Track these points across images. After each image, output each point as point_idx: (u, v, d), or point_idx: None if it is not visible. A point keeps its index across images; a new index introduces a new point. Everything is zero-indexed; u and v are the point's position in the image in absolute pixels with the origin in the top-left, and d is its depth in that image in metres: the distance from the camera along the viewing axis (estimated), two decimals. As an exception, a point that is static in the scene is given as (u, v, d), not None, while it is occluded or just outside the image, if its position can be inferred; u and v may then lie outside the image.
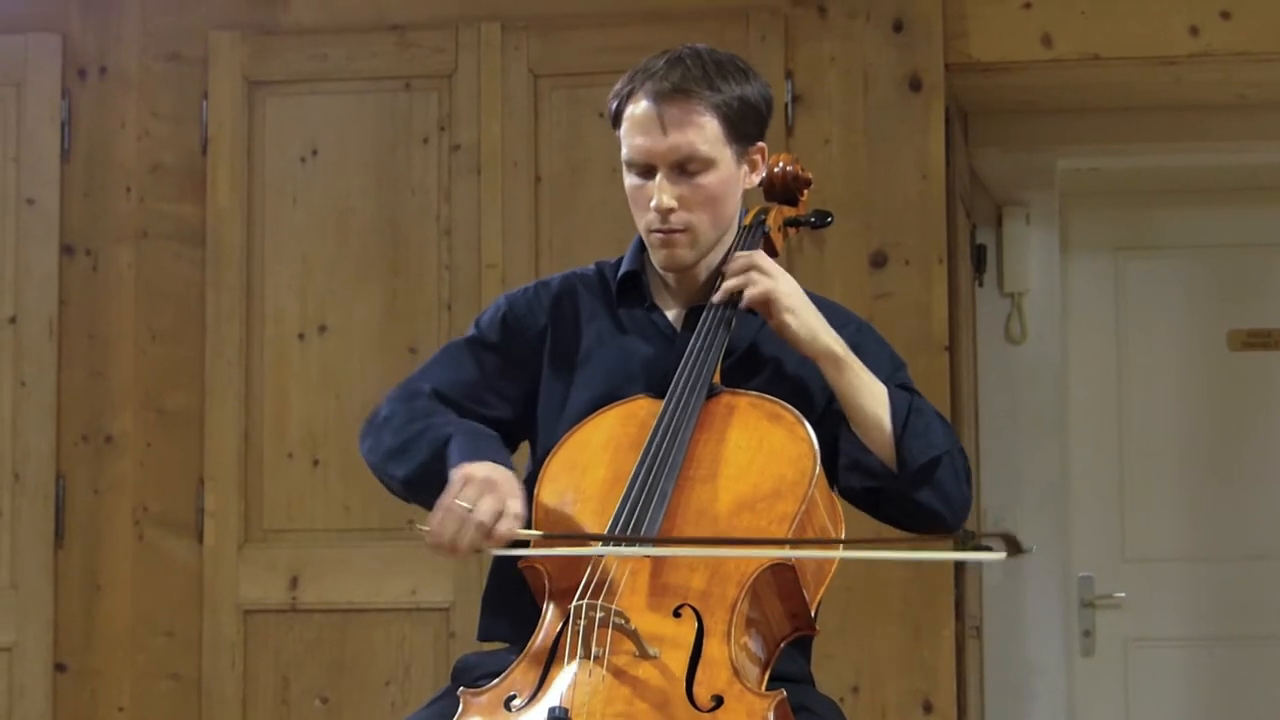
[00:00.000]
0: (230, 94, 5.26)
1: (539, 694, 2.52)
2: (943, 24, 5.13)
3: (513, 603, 2.82)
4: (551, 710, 2.42)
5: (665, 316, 2.95)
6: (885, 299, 5.03)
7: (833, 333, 2.83)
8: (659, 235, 2.87)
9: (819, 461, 2.68)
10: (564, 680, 2.50)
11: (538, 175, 5.17)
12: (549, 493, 2.74)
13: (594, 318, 2.97)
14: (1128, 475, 6.52)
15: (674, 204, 2.84)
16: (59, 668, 5.17)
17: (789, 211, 3.08)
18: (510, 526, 2.62)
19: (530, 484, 2.85)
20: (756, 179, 2.97)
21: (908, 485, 2.80)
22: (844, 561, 2.77)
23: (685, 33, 4.84)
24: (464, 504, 2.62)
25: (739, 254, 2.89)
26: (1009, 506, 6.15)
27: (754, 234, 2.97)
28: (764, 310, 2.83)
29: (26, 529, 5.19)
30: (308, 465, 5.15)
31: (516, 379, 2.96)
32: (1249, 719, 6.40)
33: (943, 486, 2.83)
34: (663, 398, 2.77)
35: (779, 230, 3.05)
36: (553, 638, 2.58)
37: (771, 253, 3.02)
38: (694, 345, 2.82)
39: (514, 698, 2.54)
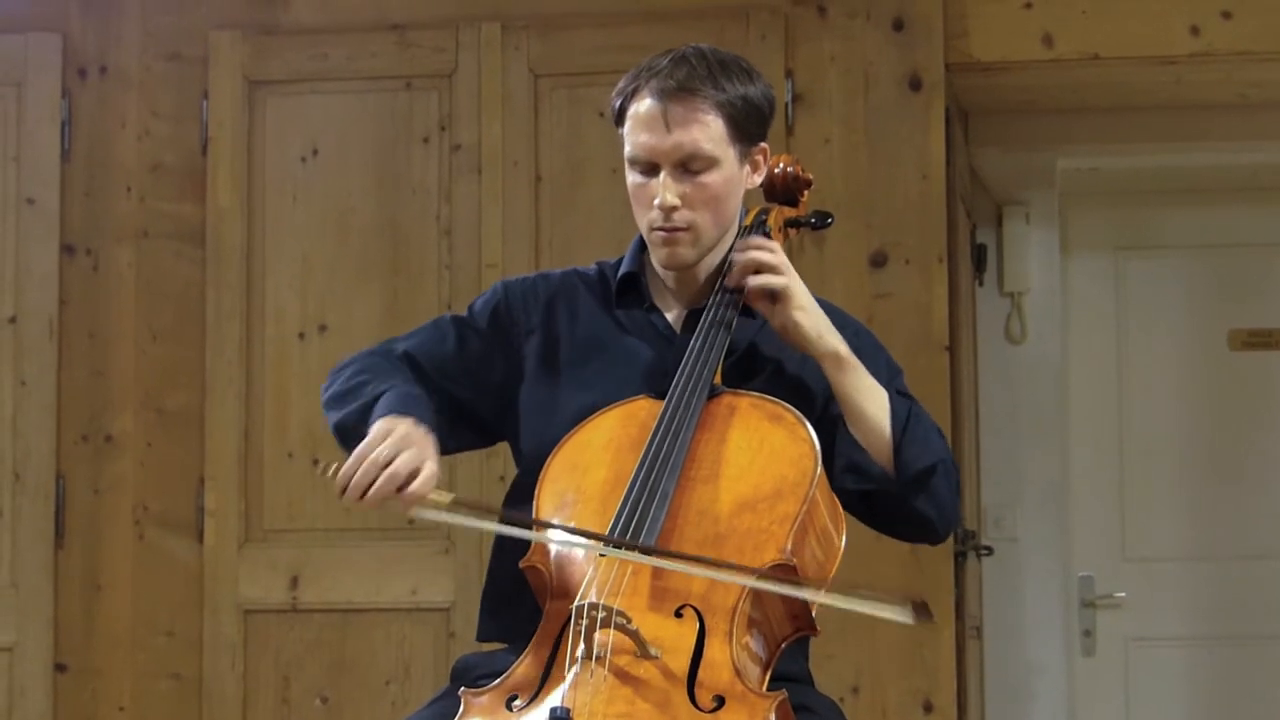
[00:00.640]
0: (231, 94, 5.26)
1: (540, 694, 2.51)
2: (943, 23, 5.13)
3: (512, 603, 2.81)
4: (553, 710, 2.42)
5: (665, 318, 2.95)
6: (885, 299, 5.03)
7: (837, 334, 2.83)
8: (661, 233, 2.86)
9: (820, 462, 2.68)
10: (565, 680, 2.50)
11: (538, 175, 5.17)
12: (550, 493, 2.73)
13: (593, 317, 2.96)
14: (1128, 475, 6.52)
15: (677, 202, 2.84)
16: (59, 667, 5.17)
17: (789, 212, 3.07)
18: (423, 486, 2.61)
19: (519, 484, 2.87)
20: (758, 179, 2.97)
21: (904, 490, 2.81)
22: (845, 561, 2.77)
23: (685, 32, 4.85)
24: (380, 455, 2.61)
25: (755, 239, 2.88)
26: (1009, 506, 6.16)
27: (754, 235, 2.97)
28: (777, 303, 2.82)
29: (27, 528, 5.20)
30: (308, 465, 5.14)
31: (495, 369, 2.95)
32: (1249, 718, 6.40)
33: (937, 494, 2.83)
34: (663, 398, 2.76)
35: (780, 231, 3.04)
36: (554, 638, 2.58)
37: (773, 253, 3.03)
38: (694, 346, 2.82)
39: (515, 698, 2.54)
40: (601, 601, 2.51)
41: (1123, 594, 6.47)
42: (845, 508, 2.82)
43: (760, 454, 2.70)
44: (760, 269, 2.84)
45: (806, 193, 3.11)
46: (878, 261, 5.06)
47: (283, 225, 5.24)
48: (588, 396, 2.86)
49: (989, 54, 5.23)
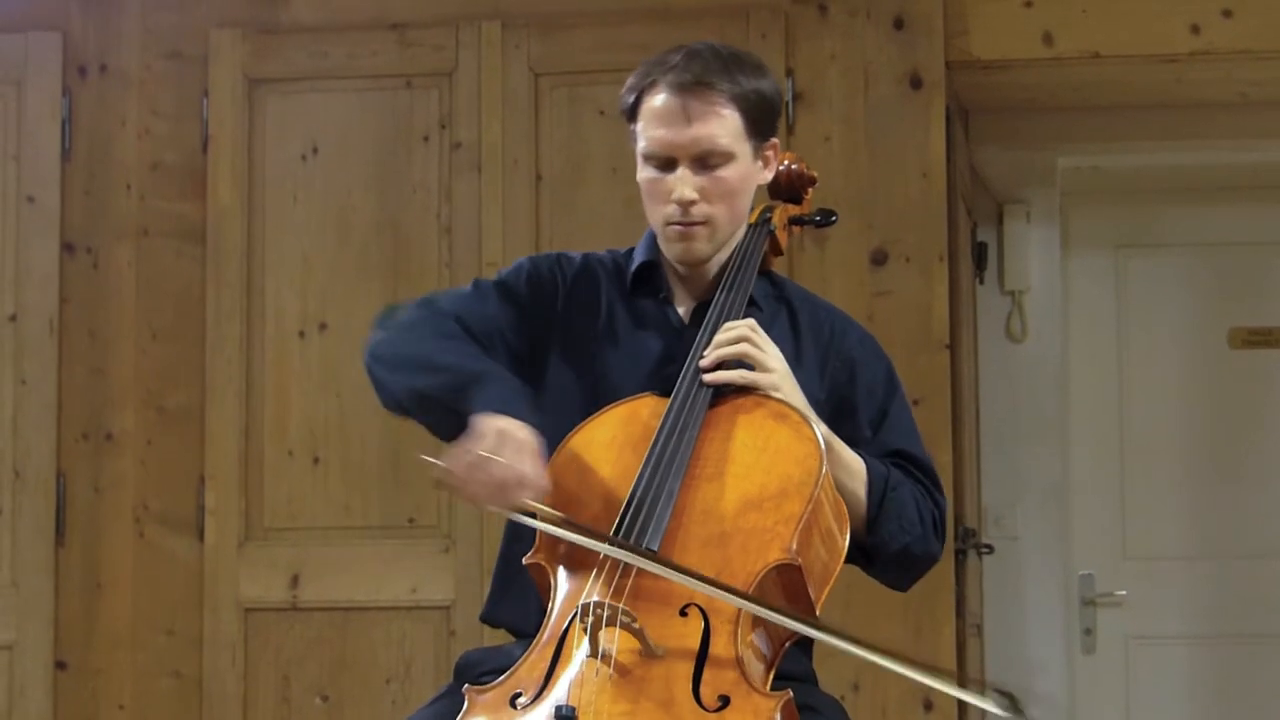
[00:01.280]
0: (231, 92, 5.25)
1: (545, 692, 2.51)
2: (943, 22, 5.13)
3: (521, 591, 2.81)
4: (558, 708, 2.42)
5: (677, 312, 2.95)
6: (886, 297, 5.02)
7: (812, 417, 2.79)
8: (678, 228, 2.86)
9: (825, 461, 2.68)
10: (570, 678, 2.50)
11: (538, 173, 5.16)
12: (554, 490, 2.72)
13: (610, 304, 2.96)
14: (1128, 473, 6.52)
15: (695, 196, 2.84)
16: (59, 666, 5.17)
17: (794, 210, 3.08)
18: (526, 495, 2.59)
19: None
20: (769, 175, 2.98)
21: (881, 562, 2.89)
22: (846, 558, 2.77)
23: (686, 30, 4.85)
24: (495, 457, 2.57)
25: (730, 324, 2.83)
26: (1010, 504, 6.15)
27: (760, 232, 2.98)
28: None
29: (27, 527, 5.19)
30: (308, 463, 5.14)
31: (524, 337, 2.93)
32: (1250, 717, 6.40)
33: (911, 565, 2.92)
34: (668, 396, 2.76)
35: (784, 229, 3.05)
36: (559, 635, 2.58)
37: (777, 251, 3.03)
38: (700, 343, 2.82)
39: (519, 695, 2.53)
40: (607, 600, 2.51)
41: (1123, 592, 6.47)
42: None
43: (765, 453, 2.70)
44: (726, 367, 2.80)
45: (810, 190, 3.12)
46: (878, 260, 5.05)
47: (283, 224, 5.23)
48: (600, 387, 2.86)
49: (989, 52, 5.23)
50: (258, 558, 5.15)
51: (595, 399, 2.84)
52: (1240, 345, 6.53)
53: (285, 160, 5.25)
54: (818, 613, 2.68)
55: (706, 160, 2.83)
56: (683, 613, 2.55)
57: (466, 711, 2.56)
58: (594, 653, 2.49)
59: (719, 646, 2.52)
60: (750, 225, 2.97)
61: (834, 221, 3.11)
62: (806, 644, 2.85)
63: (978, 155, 6.01)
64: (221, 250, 5.22)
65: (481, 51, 5.20)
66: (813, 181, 3.12)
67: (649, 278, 2.97)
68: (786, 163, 3.07)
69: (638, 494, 2.64)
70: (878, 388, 2.92)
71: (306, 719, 5.12)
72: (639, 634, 2.49)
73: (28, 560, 5.19)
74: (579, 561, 2.64)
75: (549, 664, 2.55)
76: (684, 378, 2.77)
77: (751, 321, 2.84)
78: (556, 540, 2.66)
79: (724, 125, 2.83)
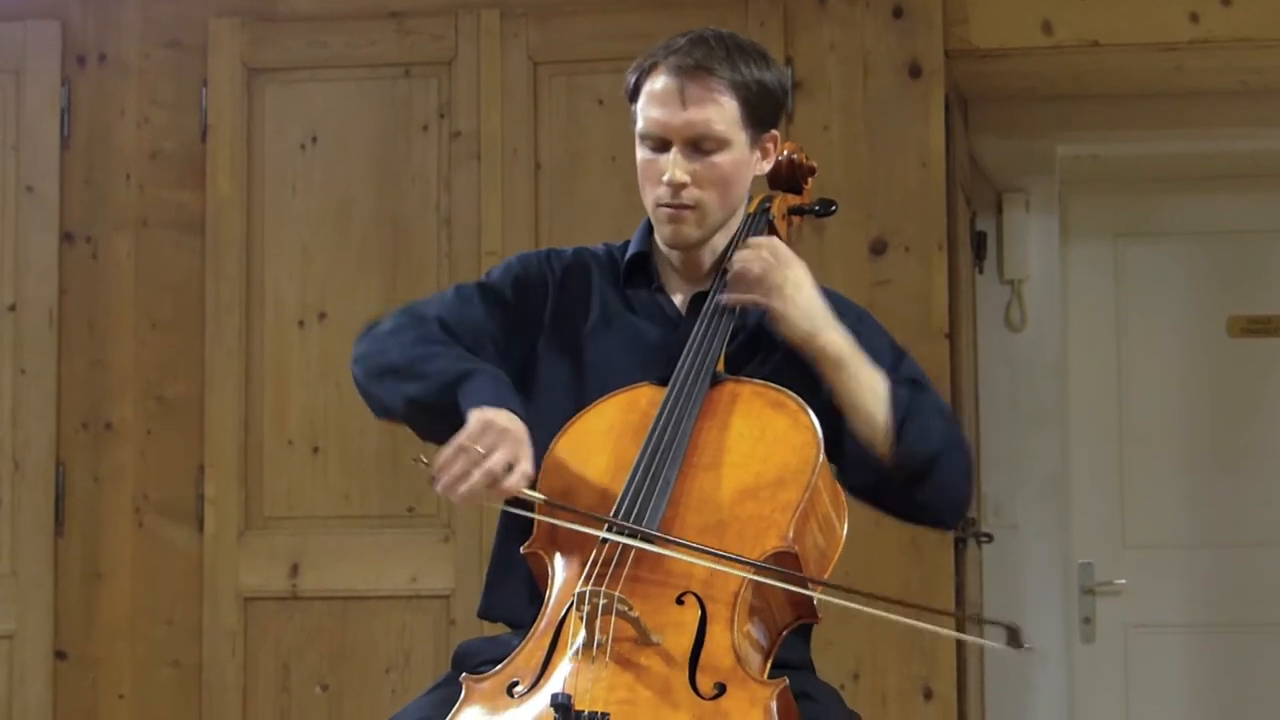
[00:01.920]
0: (230, 81, 5.25)
1: (541, 680, 2.51)
2: (942, 10, 5.13)
3: (517, 583, 2.81)
4: (554, 697, 2.42)
5: (672, 301, 2.95)
6: (885, 286, 5.02)
7: (834, 329, 2.81)
8: (667, 210, 2.86)
9: (822, 450, 2.68)
10: (567, 667, 2.50)
11: (537, 162, 5.16)
12: (552, 480, 2.73)
13: (603, 296, 2.96)
14: (1128, 462, 6.52)
15: (686, 179, 2.84)
16: (59, 655, 5.17)
17: (793, 200, 3.07)
18: (518, 483, 2.60)
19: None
20: (767, 166, 2.97)
21: (906, 481, 2.81)
22: (844, 547, 2.77)
23: (685, 19, 4.82)
24: (480, 449, 2.58)
25: (751, 242, 2.87)
26: (1009, 493, 6.16)
27: (758, 221, 2.97)
28: (769, 303, 2.82)
29: (26, 517, 5.19)
30: (308, 453, 5.15)
31: (513, 339, 2.94)
32: (1249, 705, 6.41)
33: (941, 485, 2.83)
34: (665, 385, 2.76)
35: (783, 218, 3.04)
36: (555, 624, 2.58)
37: (776, 242, 3.03)
38: (697, 332, 2.81)
39: (516, 684, 2.54)
40: (603, 588, 2.51)
41: (1123, 581, 6.47)
42: (856, 497, 2.82)
43: (762, 441, 2.70)
44: (746, 283, 2.82)
45: (810, 180, 3.12)
46: (877, 249, 5.05)
47: (282, 213, 5.23)
48: (596, 379, 2.86)
49: (988, 41, 5.23)
50: (257, 547, 5.15)
51: (592, 390, 2.84)
52: (1240, 334, 6.53)
53: (284, 150, 5.25)
54: (815, 603, 2.67)
55: (700, 145, 2.83)
56: (679, 601, 2.56)
57: (463, 700, 2.56)
58: (590, 641, 2.49)
59: (715, 635, 2.52)
60: (749, 215, 2.97)
61: (833, 211, 3.11)
62: (805, 632, 2.85)
63: (977, 144, 6.01)
64: (221, 240, 5.22)
65: (480, 40, 5.20)
66: (812, 171, 3.12)
67: (643, 268, 2.97)
68: (786, 152, 3.06)
69: (634, 482, 2.64)
70: (884, 355, 2.90)
71: (306, 708, 5.13)
72: (635, 622, 2.49)
73: (27, 550, 5.19)
74: (576, 550, 2.64)
75: (545, 653, 2.55)
76: (681, 367, 2.77)
77: (774, 240, 2.86)
78: (554, 529, 2.66)
79: (720, 111, 2.83)
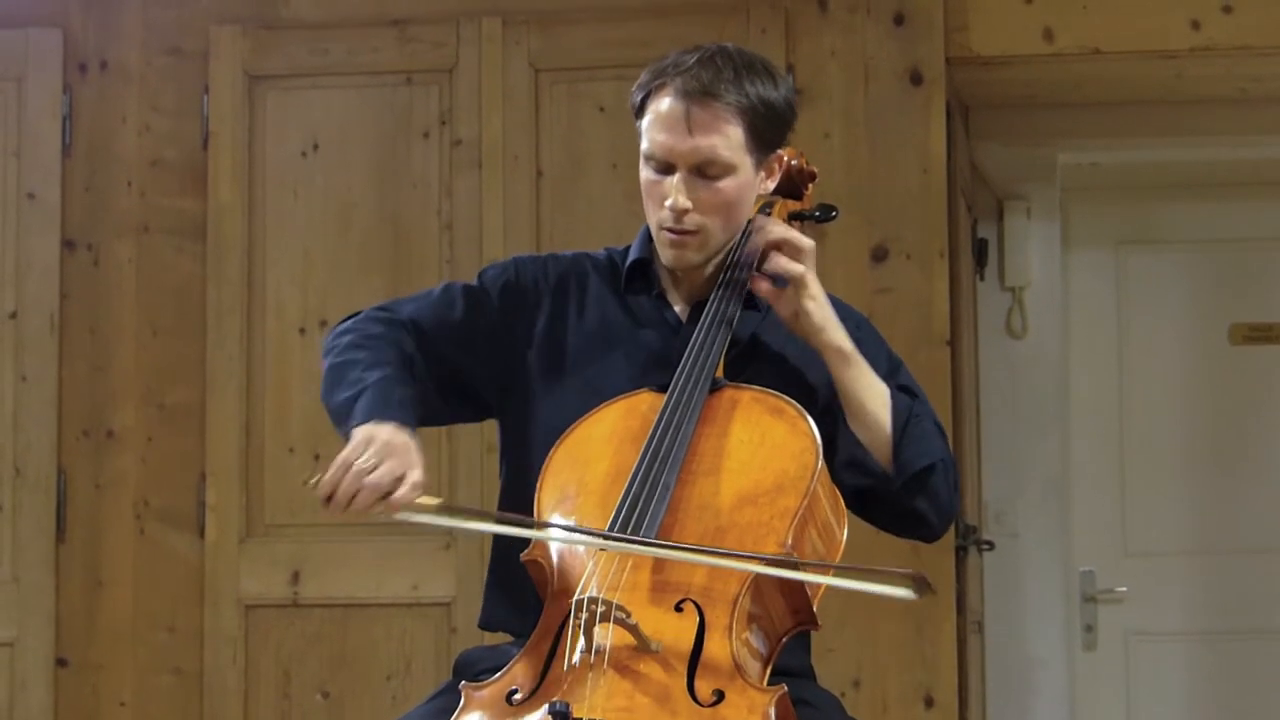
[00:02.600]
0: (231, 88, 5.25)
1: (540, 689, 2.50)
2: (944, 17, 5.13)
3: (516, 592, 2.81)
4: (552, 705, 2.41)
5: (672, 308, 2.95)
6: (886, 293, 5.03)
7: (843, 329, 2.83)
8: (670, 235, 2.85)
9: (822, 456, 2.68)
10: (565, 675, 2.50)
11: (539, 169, 5.16)
12: (551, 487, 2.73)
13: (602, 302, 2.96)
14: (1129, 469, 6.52)
15: (689, 205, 2.82)
16: (60, 662, 5.17)
17: (794, 205, 3.06)
18: (408, 494, 2.60)
19: (516, 469, 2.88)
20: (771, 185, 2.96)
21: (902, 489, 2.82)
22: (845, 556, 2.77)
23: (685, 27, 4.85)
24: (363, 464, 2.59)
25: (774, 225, 2.87)
26: (1010, 501, 6.16)
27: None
28: (790, 288, 2.82)
29: (28, 523, 5.20)
30: (309, 460, 5.14)
31: (500, 344, 2.93)
32: (1250, 713, 6.41)
33: (934, 493, 2.84)
34: (665, 392, 2.76)
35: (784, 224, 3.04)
36: (554, 632, 2.58)
37: (776, 247, 3.03)
38: (697, 339, 2.81)
39: (515, 692, 2.53)
40: (601, 595, 2.51)
41: (1124, 588, 6.47)
42: (845, 504, 2.82)
43: (761, 448, 2.70)
44: (784, 248, 2.83)
45: (811, 185, 3.11)
46: (878, 256, 5.05)
47: (283, 220, 5.24)
48: (595, 385, 2.86)
49: (989, 48, 5.23)
50: (258, 554, 5.15)
51: (591, 396, 2.83)
52: (1241, 341, 6.53)
53: (286, 156, 5.25)
54: (814, 607, 2.67)
55: (705, 170, 2.81)
56: (678, 608, 2.55)
57: (463, 708, 2.56)
58: (589, 649, 2.49)
59: (714, 642, 2.52)
60: (749, 219, 2.96)
61: (834, 217, 3.10)
62: (805, 639, 2.85)
63: (978, 151, 6.01)
64: (222, 246, 5.22)
65: (482, 47, 5.20)
66: (813, 177, 3.11)
67: (643, 274, 2.97)
68: (787, 158, 3.06)
69: (633, 488, 2.64)
70: (880, 363, 2.91)
71: (307, 715, 5.12)
72: (634, 629, 2.49)
73: (28, 557, 5.19)
74: (574, 558, 2.64)
75: (544, 661, 2.54)
76: (681, 373, 2.77)
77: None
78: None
79: (726, 139, 2.80)
